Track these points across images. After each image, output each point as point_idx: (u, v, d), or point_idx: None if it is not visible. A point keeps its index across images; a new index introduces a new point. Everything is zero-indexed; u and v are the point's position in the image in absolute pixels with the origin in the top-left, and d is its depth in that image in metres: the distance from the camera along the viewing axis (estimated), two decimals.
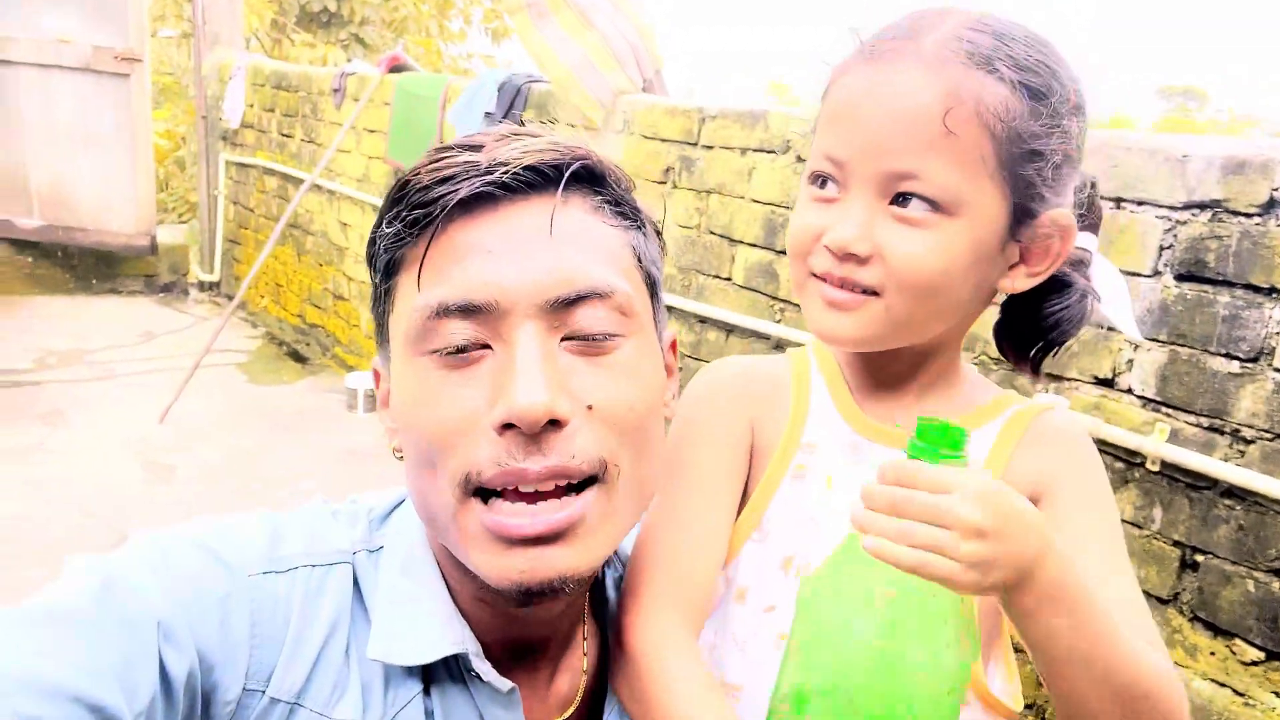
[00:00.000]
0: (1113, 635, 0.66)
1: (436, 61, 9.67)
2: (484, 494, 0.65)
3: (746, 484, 0.86)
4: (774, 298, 2.88)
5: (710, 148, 3.06)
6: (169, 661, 0.61)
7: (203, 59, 6.60)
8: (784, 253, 2.77)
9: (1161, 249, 1.93)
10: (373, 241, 0.72)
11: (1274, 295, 1.76)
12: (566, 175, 0.68)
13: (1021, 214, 0.75)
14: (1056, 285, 0.82)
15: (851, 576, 0.66)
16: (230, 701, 0.66)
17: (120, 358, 5.35)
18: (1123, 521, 2.04)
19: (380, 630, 0.71)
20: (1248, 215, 1.79)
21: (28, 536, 3.20)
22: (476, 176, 0.65)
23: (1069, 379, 2.13)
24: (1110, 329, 2.02)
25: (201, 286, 6.99)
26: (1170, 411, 1.94)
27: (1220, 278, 1.83)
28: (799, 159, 2.76)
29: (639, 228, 0.73)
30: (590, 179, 0.70)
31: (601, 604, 0.85)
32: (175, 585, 0.64)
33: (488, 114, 3.84)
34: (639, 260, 0.72)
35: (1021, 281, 0.79)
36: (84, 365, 5.16)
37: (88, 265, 6.69)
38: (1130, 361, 2.02)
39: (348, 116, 5.03)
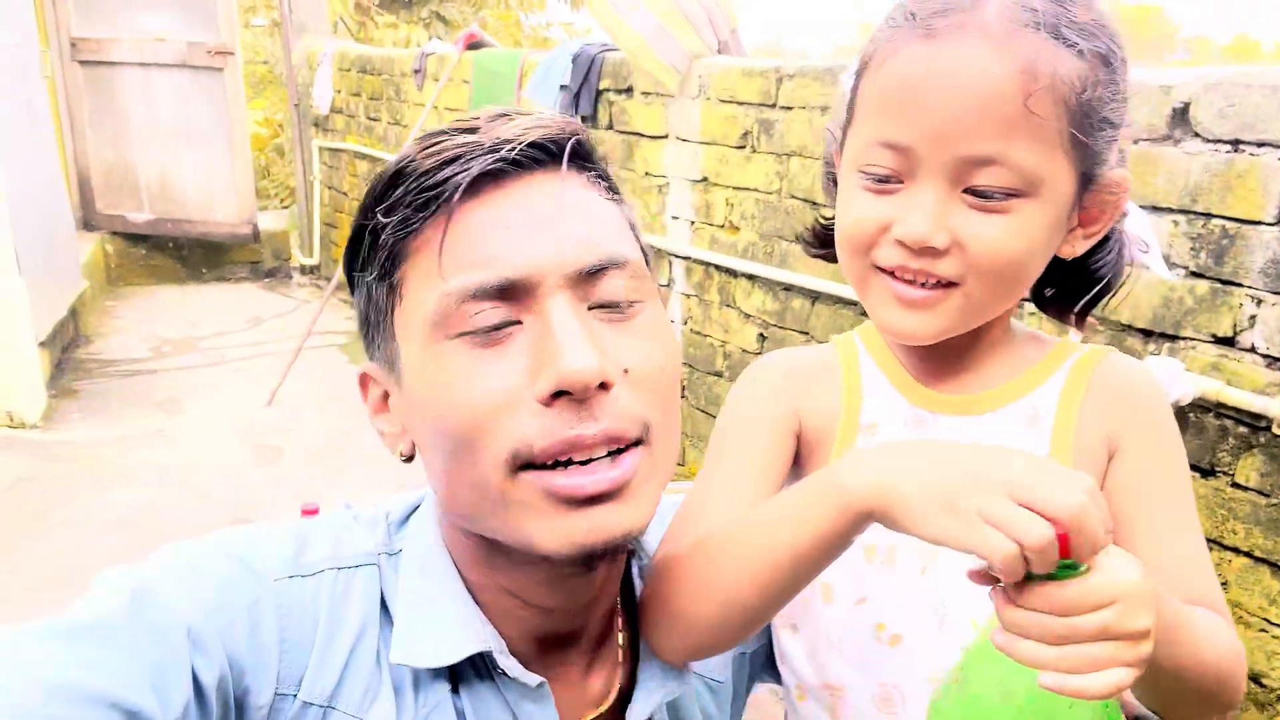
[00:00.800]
0: (1200, 647, 0.67)
1: (516, 33, 9.69)
2: (533, 468, 0.65)
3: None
4: None
5: (789, 108, 2.95)
6: (200, 669, 0.62)
7: (291, 48, 6.77)
8: None
9: None
10: (362, 237, 0.70)
11: None
12: (568, 149, 0.68)
13: (1087, 181, 0.73)
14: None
15: (985, 678, 0.64)
16: (263, 706, 0.67)
17: (229, 343, 5.60)
18: (1248, 489, 1.90)
19: (401, 634, 0.71)
20: None
21: (156, 522, 3.39)
22: (484, 155, 0.65)
23: (1184, 338, 1.99)
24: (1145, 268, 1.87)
25: (303, 270, 7.24)
26: None
27: None
28: None
29: (623, 202, 0.75)
30: (583, 154, 0.71)
31: (631, 598, 0.84)
32: (204, 593, 0.65)
33: (563, 86, 3.81)
34: (634, 231, 0.74)
35: (1080, 245, 0.77)
36: (196, 352, 5.42)
37: (196, 255, 7.01)
38: (1253, 318, 1.86)
39: (429, 97, 5.08)
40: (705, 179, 3.35)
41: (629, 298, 0.68)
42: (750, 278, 3.21)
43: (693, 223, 3.45)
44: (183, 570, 0.67)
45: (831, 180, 0.83)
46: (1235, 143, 1.86)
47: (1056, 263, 0.79)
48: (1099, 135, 0.70)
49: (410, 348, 0.68)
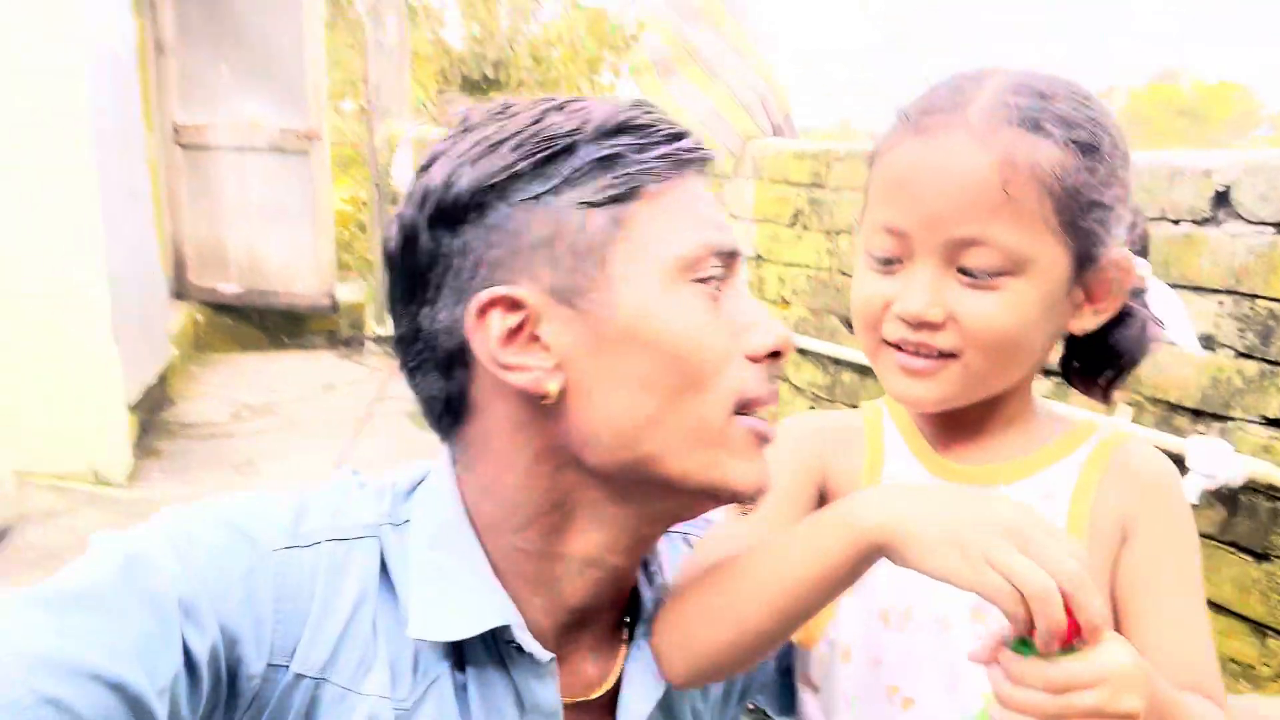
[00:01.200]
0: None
1: None
2: (740, 412, 0.73)
3: None
4: None
5: (839, 189, 3.03)
6: (191, 639, 0.62)
7: (375, 131, 7.16)
8: None
9: None
10: (613, 158, 0.69)
11: None
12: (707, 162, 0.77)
13: (1084, 260, 0.78)
14: (1118, 316, 0.84)
15: None
16: (255, 676, 0.67)
17: (305, 409, 5.82)
18: None
19: (417, 609, 0.71)
20: None
21: None
22: (698, 147, 0.74)
23: (1233, 418, 1.96)
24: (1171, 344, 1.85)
25: (377, 339, 7.51)
26: None
27: None
28: None
29: None
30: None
31: (637, 611, 0.85)
32: (197, 562, 0.65)
33: None
34: None
35: (1089, 321, 0.82)
36: (273, 417, 5.65)
37: (278, 324, 7.34)
38: None
39: None
40: (759, 256, 3.43)
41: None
42: (801, 352, 3.25)
43: None
44: (178, 538, 0.66)
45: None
46: (1278, 225, 1.86)
47: (1080, 338, 0.84)
48: (1089, 217, 0.76)
49: (640, 284, 0.69)
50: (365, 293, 7.98)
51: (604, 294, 0.68)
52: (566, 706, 0.77)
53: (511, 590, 0.74)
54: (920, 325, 0.77)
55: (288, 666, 0.68)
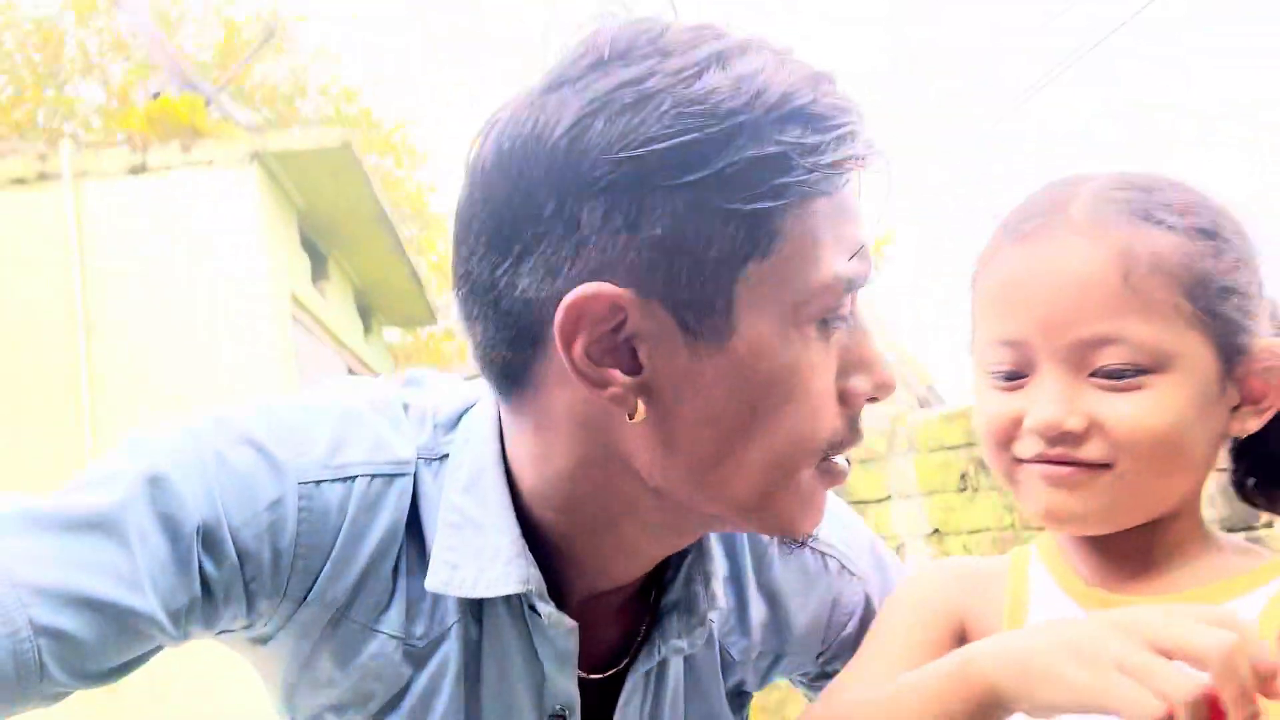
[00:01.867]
0: None
1: None
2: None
3: None
4: None
5: None
6: (208, 568, 0.61)
7: None
8: None
9: None
10: (777, 158, 0.57)
11: None
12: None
13: (1232, 352, 0.73)
14: None
15: None
16: (272, 607, 0.66)
17: None
18: None
19: (440, 558, 0.68)
20: None
21: None
22: (871, 150, 0.61)
23: None
24: None
25: None
26: None
27: None
28: None
29: None
30: None
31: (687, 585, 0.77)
32: (222, 489, 0.63)
33: None
34: None
35: (1252, 421, 0.75)
36: None
37: None
38: None
39: None
40: (936, 530, 3.26)
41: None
42: None
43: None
44: (207, 457, 0.64)
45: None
46: None
47: (1250, 448, 0.78)
48: (1226, 304, 0.71)
49: (765, 314, 0.59)
50: None
51: (722, 319, 0.59)
52: (582, 678, 0.73)
53: (539, 555, 0.68)
54: (1059, 437, 0.71)
55: (306, 599, 0.67)
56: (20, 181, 4.00)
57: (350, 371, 7.47)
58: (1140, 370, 0.70)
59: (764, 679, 0.88)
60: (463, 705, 0.72)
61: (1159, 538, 0.75)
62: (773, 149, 0.56)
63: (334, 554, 0.66)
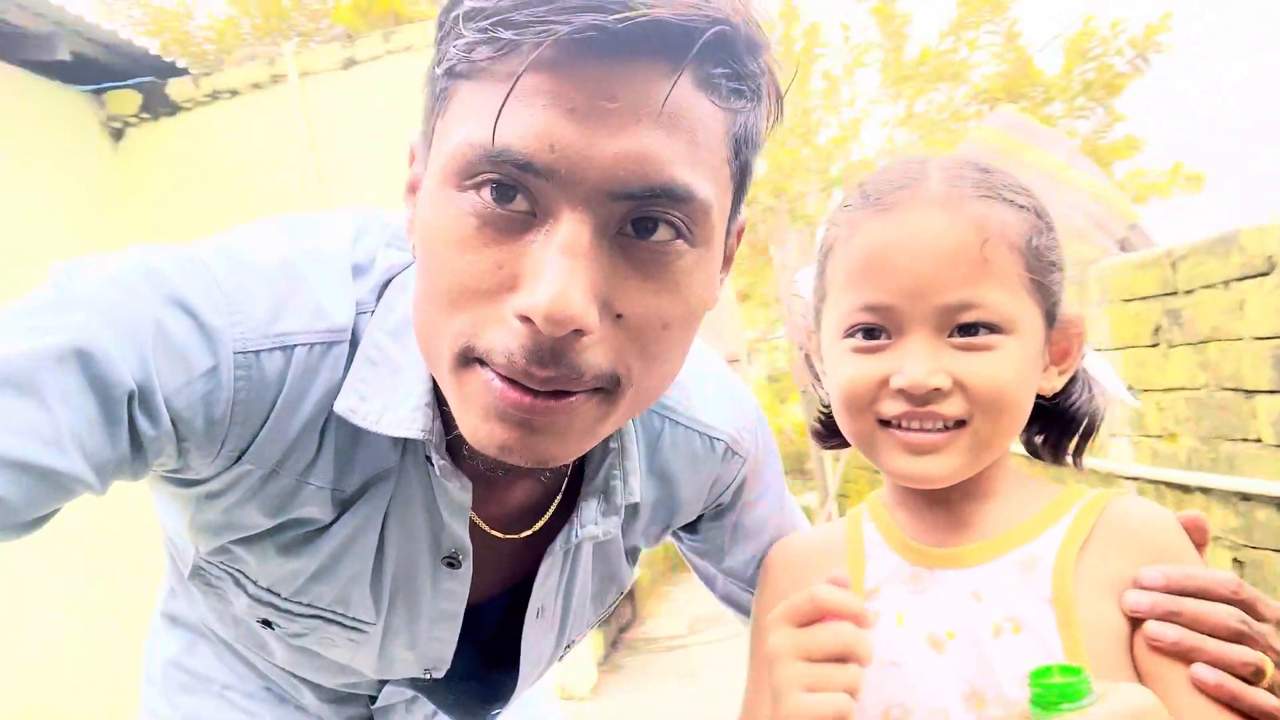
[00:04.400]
0: None
1: None
2: (481, 363, 0.60)
3: None
4: None
5: (1191, 291, 2.57)
6: (142, 426, 0.62)
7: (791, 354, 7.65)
8: None
9: None
10: (455, 19, 0.58)
11: None
12: (696, 48, 0.55)
13: (1050, 320, 0.81)
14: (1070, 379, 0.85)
15: None
16: (205, 463, 0.68)
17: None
18: None
19: (351, 387, 0.69)
20: None
21: None
22: (591, 12, 0.53)
23: None
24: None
25: None
26: None
27: None
28: None
29: (755, 101, 0.62)
30: (719, 46, 0.57)
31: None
32: (156, 355, 0.63)
33: None
34: (736, 151, 0.63)
35: (1056, 381, 0.83)
36: (720, 628, 5.94)
37: None
38: None
39: None
40: (1130, 387, 2.96)
41: (668, 236, 0.59)
42: (1205, 491, 2.66)
43: (1130, 437, 3.02)
44: (139, 324, 0.62)
45: (809, 369, 0.92)
46: None
47: (1039, 409, 0.83)
48: (1050, 277, 0.79)
49: (434, 173, 0.61)
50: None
51: (422, 168, 0.65)
52: (486, 535, 0.78)
53: (449, 411, 0.66)
54: (927, 395, 0.76)
55: (240, 459, 0.69)
56: (256, 86, 4.42)
57: None
58: (995, 332, 0.76)
59: (655, 541, 0.97)
60: (374, 548, 0.77)
61: (971, 492, 0.82)
62: (456, 30, 0.58)
63: (270, 420, 0.68)
